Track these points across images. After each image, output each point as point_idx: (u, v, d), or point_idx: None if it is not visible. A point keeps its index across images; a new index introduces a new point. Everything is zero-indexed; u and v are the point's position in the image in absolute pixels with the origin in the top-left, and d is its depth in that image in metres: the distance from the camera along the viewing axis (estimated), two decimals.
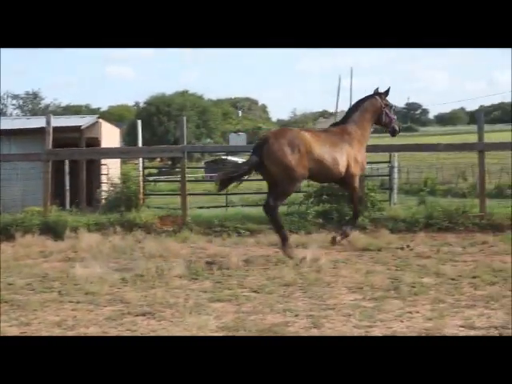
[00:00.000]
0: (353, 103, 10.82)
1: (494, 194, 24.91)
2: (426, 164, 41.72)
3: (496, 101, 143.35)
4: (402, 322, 6.48)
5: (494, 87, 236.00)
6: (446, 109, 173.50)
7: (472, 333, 6.04)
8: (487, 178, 17.86)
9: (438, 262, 9.37)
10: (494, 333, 5.98)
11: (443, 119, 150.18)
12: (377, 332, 6.14)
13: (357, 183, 10.26)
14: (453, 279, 8.26)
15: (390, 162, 21.25)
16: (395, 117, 10.67)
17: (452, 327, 6.22)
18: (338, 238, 10.23)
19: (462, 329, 6.17)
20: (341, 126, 10.23)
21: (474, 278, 8.28)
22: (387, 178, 22.21)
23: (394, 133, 10.74)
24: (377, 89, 10.62)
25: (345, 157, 9.87)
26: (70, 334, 6.13)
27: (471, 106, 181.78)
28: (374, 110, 10.35)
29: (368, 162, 12.61)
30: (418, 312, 6.80)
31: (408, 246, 10.32)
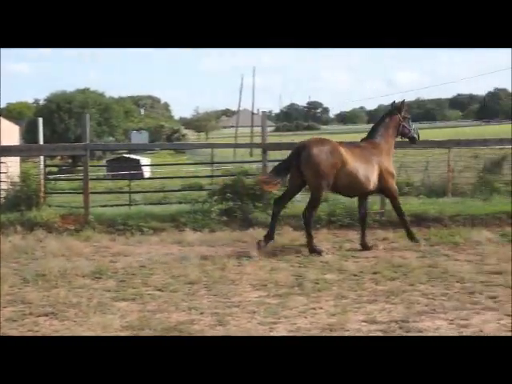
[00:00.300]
0: (378, 120, 11.29)
1: None
2: None
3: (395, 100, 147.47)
4: (305, 318, 6.60)
5: (393, 87, 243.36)
6: (347, 108, 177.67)
7: (373, 327, 6.22)
8: None
9: (340, 258, 9.57)
10: (395, 327, 6.18)
11: (343, 118, 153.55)
12: (281, 328, 6.22)
13: (396, 192, 10.74)
14: (355, 275, 8.47)
15: None
16: (413, 126, 11.32)
17: (355, 322, 6.39)
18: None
19: (365, 323, 6.35)
20: (370, 141, 10.74)
21: (375, 273, 8.51)
22: None
23: (413, 140, 11.36)
24: (393, 103, 11.24)
25: (376, 172, 10.38)
26: None
27: (371, 106, 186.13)
28: (394, 125, 10.97)
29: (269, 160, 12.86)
30: (321, 308, 6.95)
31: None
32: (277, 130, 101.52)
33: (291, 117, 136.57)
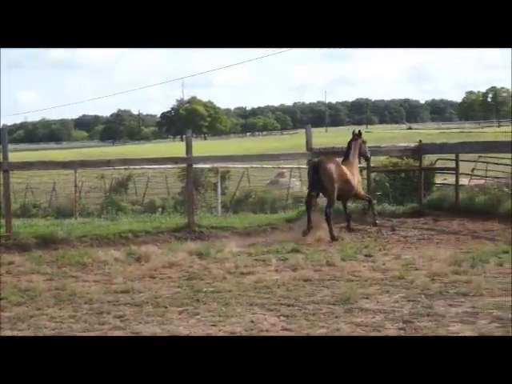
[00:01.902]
0: (347, 145, 14.07)
1: (20, 214, 24.82)
2: None
3: (18, 120, 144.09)
4: None
5: (18, 107, 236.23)
6: None
7: None
8: (13, 197, 17.69)
9: None
10: None
11: None
12: None
13: (363, 193, 14.08)
14: None
15: None
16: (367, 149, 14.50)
17: None
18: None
19: None
20: (348, 160, 13.74)
21: (0, 299, 8.14)
22: None
23: (367, 159, 14.84)
24: (354, 131, 14.44)
25: (355, 181, 13.55)
26: None
27: None
28: (359, 148, 14.08)
29: None
30: None
31: None
32: None
33: None
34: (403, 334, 6.39)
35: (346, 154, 13.96)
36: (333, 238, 12.44)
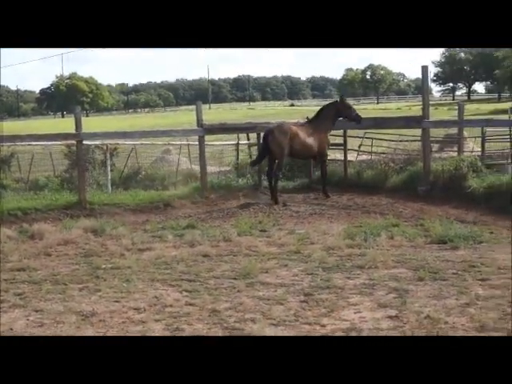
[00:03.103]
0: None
1: None
2: None
3: None
4: None
5: None
6: None
7: None
8: None
9: None
10: None
11: None
12: None
13: (326, 156, 14.81)
14: None
15: None
16: None
17: None
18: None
19: None
20: (312, 123, 14.52)
21: None
22: None
23: (356, 121, 14.69)
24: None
25: (316, 142, 14.19)
26: None
27: None
28: (336, 112, 14.53)
29: None
30: None
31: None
32: None
33: None
34: (399, 334, 6.40)
35: (313, 117, 14.69)
36: (276, 201, 13.45)
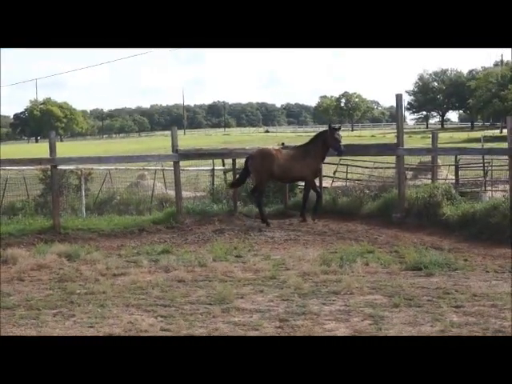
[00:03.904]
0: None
1: None
2: None
3: None
4: None
5: None
6: None
7: None
8: None
9: None
10: None
11: None
12: None
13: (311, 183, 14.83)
14: None
15: None
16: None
17: None
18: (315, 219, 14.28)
19: None
20: (302, 148, 14.96)
21: None
22: None
23: (338, 152, 14.75)
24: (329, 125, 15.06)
25: (299, 166, 14.48)
26: None
27: None
28: (324, 140, 14.56)
29: None
30: None
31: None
32: None
33: None
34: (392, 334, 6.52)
35: (304, 143, 15.13)
36: (265, 222, 13.96)
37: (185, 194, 17.31)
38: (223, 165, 19.91)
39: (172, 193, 17.96)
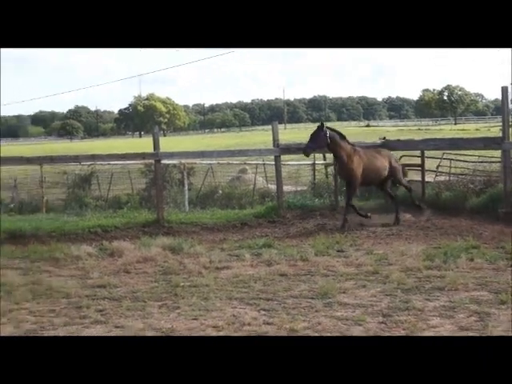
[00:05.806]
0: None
1: None
2: None
3: None
4: None
5: None
6: None
7: None
8: None
9: None
10: None
11: None
12: None
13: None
14: None
15: None
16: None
17: None
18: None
19: None
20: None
21: None
22: None
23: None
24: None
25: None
26: None
27: None
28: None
29: None
30: None
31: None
32: None
33: None
34: (398, 334, 6.44)
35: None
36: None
37: (286, 188, 17.35)
38: (324, 159, 19.84)
39: (273, 187, 18.07)
